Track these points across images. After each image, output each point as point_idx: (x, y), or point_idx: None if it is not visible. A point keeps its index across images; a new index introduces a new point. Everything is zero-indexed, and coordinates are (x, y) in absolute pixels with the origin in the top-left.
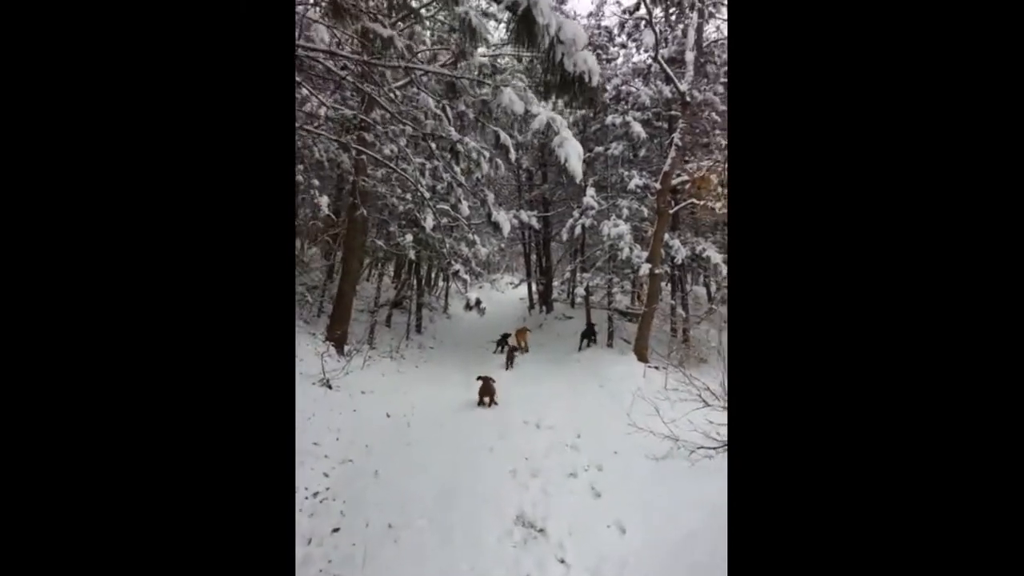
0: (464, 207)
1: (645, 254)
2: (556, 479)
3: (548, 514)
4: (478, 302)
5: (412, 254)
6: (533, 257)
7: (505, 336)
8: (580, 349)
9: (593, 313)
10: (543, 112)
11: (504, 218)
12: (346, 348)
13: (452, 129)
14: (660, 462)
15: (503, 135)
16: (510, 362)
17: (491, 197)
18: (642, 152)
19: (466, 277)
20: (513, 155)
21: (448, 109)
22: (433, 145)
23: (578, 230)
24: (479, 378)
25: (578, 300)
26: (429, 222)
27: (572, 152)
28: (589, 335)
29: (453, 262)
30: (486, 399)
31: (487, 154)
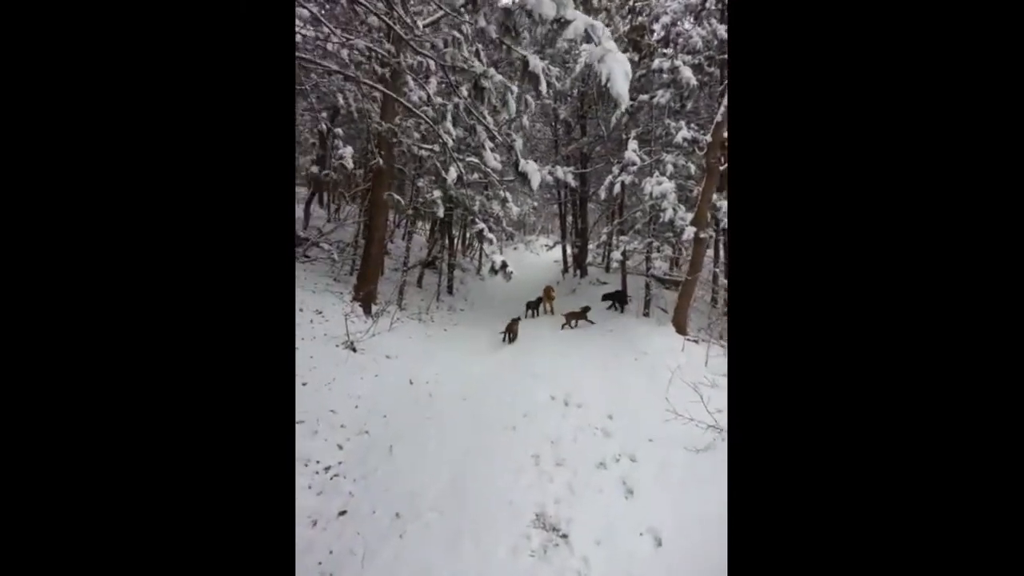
0: (489, 155)
1: (690, 216)
2: (583, 470)
3: (572, 516)
4: (504, 266)
5: (440, 211)
6: (569, 219)
7: (537, 300)
8: (608, 308)
9: (629, 279)
10: (579, 18)
11: (533, 168)
12: (374, 308)
13: (475, 60)
14: (701, 455)
15: (532, 60)
16: (533, 312)
17: (519, 143)
18: (690, 104)
19: (492, 237)
20: (544, 86)
21: (466, 28)
22: (455, 78)
23: (617, 188)
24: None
25: (614, 265)
26: (452, 174)
27: (617, 69)
28: (618, 299)
29: (478, 220)
30: (508, 335)
31: (514, 89)
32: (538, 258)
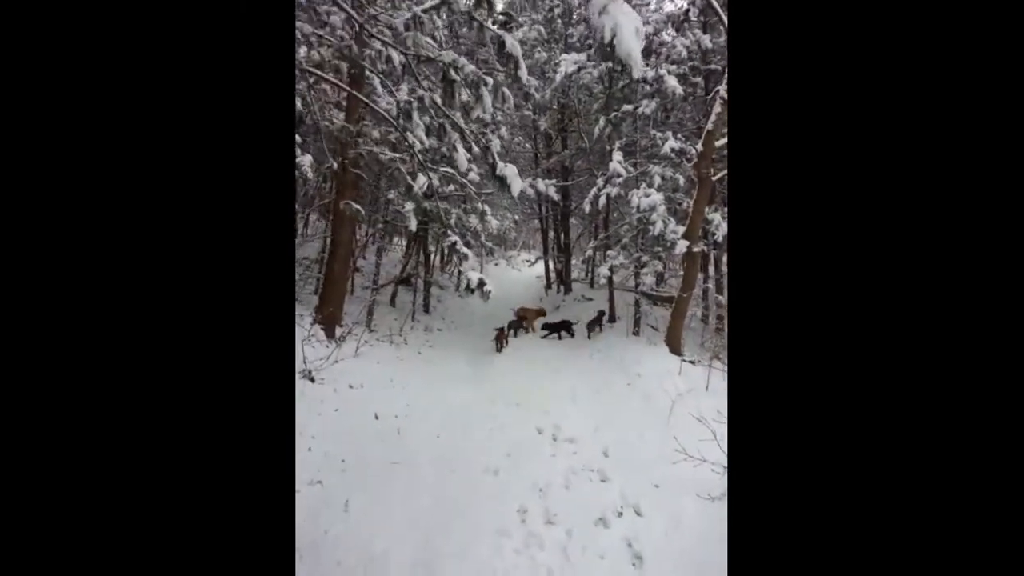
0: (462, 157)
1: (681, 229)
2: (580, 529)
3: None
4: (481, 284)
5: (413, 224)
6: (551, 234)
7: (519, 320)
8: (590, 336)
9: (617, 295)
10: None
11: (513, 172)
12: (338, 331)
13: (443, 50)
14: (717, 504)
15: (508, 39)
16: (512, 331)
17: (496, 143)
18: (674, 114)
19: (467, 252)
20: (524, 71)
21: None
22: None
23: (602, 201)
24: (496, 329)
25: (600, 281)
26: (420, 181)
27: (625, 23)
28: (563, 328)
29: (451, 233)
30: (499, 344)
31: (489, 81)
32: (520, 274)
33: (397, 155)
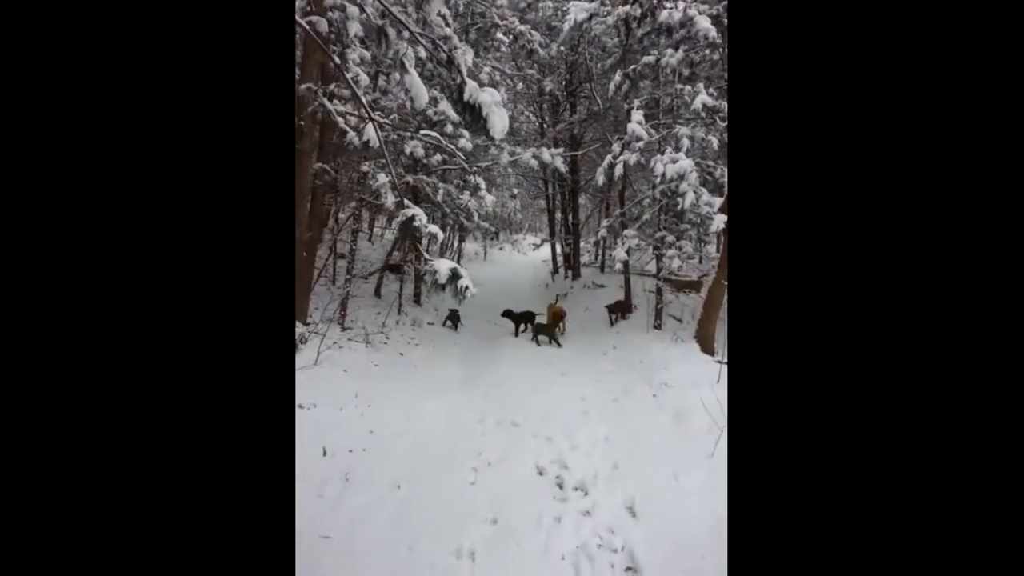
0: (416, 83)
1: (718, 201)
2: None
3: None
4: (454, 276)
5: (389, 200)
6: (558, 215)
7: (526, 315)
8: (613, 323)
9: (634, 281)
10: None
11: (492, 100)
12: (299, 331)
13: None
14: None
15: None
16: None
17: (466, 57)
18: (703, 68)
19: (436, 231)
20: None
21: None
22: None
23: (619, 170)
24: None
25: (616, 266)
26: (368, 134)
27: None
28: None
29: (408, 205)
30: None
31: None
32: (526, 258)
33: (352, 113)
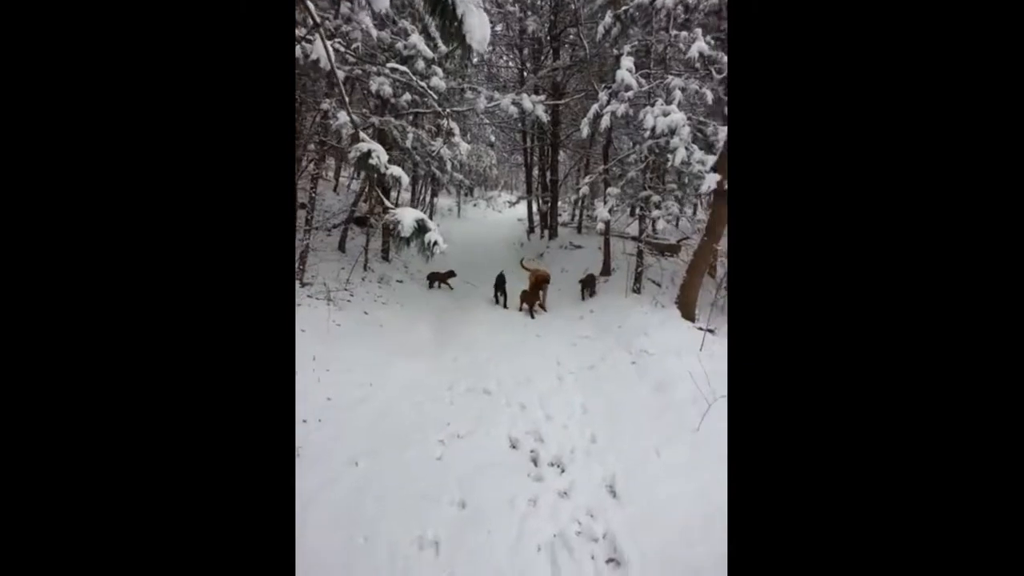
0: None
1: (710, 159)
2: None
3: None
4: (421, 230)
5: (353, 152)
6: (536, 171)
7: (501, 280)
8: (584, 297)
9: (613, 243)
10: None
11: (470, 3)
12: None
13: None
14: None
15: None
16: (502, 300)
17: None
18: (697, 16)
19: (400, 173)
20: None
21: None
22: None
23: (605, 121)
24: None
25: (597, 226)
26: (319, 53)
27: None
28: (499, 286)
29: (363, 139)
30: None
31: None
32: (501, 216)
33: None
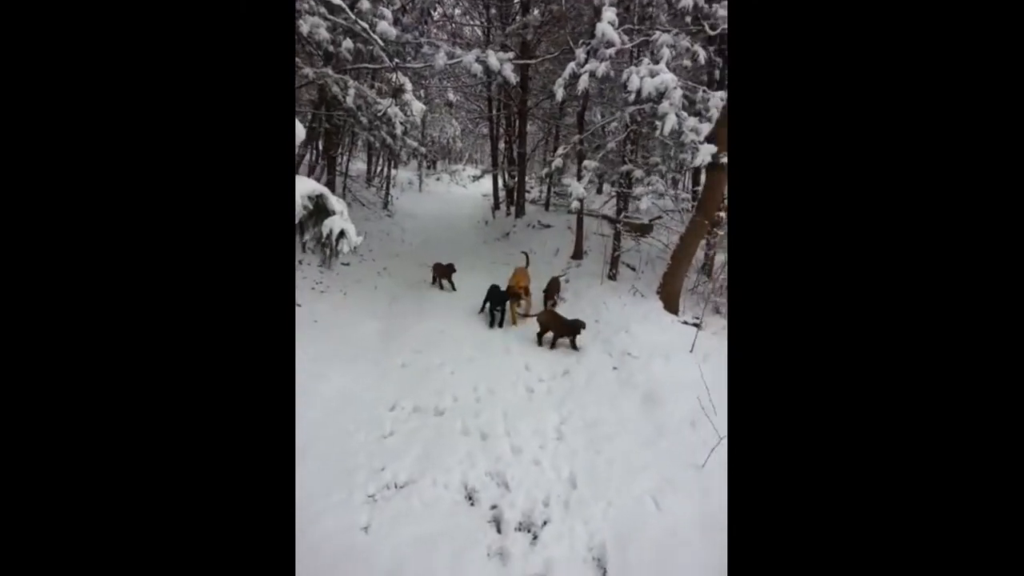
0: None
1: (705, 128)
2: None
3: None
4: (317, 211)
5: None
6: (502, 144)
7: (496, 295)
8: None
9: (587, 223)
10: None
11: None
12: None
13: None
14: None
15: None
16: (498, 317)
17: None
18: None
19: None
20: None
21: None
22: None
23: (582, 83)
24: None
25: (572, 204)
26: None
27: None
28: (496, 301)
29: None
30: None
31: None
32: (465, 191)
33: None
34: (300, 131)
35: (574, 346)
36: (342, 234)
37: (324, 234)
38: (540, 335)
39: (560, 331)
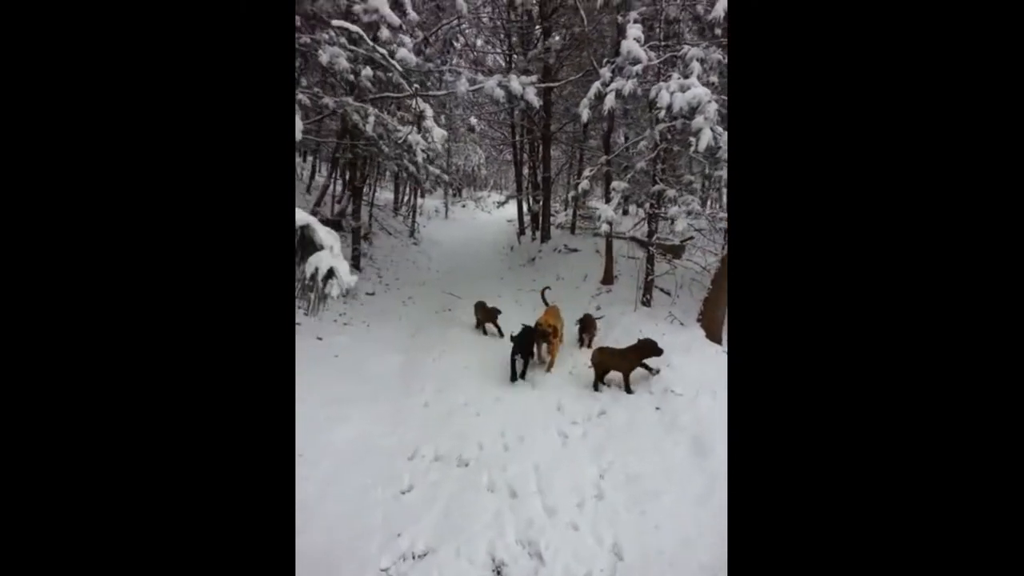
0: None
1: None
2: None
3: None
4: (304, 243)
5: (297, 129)
6: (526, 169)
7: (525, 332)
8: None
9: (616, 246)
10: None
11: None
12: None
13: None
14: None
15: None
16: (521, 367)
17: None
18: None
19: None
20: None
21: None
22: None
23: (610, 101)
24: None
25: (600, 227)
26: None
27: None
28: (520, 348)
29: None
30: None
31: None
32: (490, 217)
33: None
34: (299, 126)
35: (650, 370)
36: (331, 273)
37: (308, 274)
38: (600, 378)
39: (628, 363)
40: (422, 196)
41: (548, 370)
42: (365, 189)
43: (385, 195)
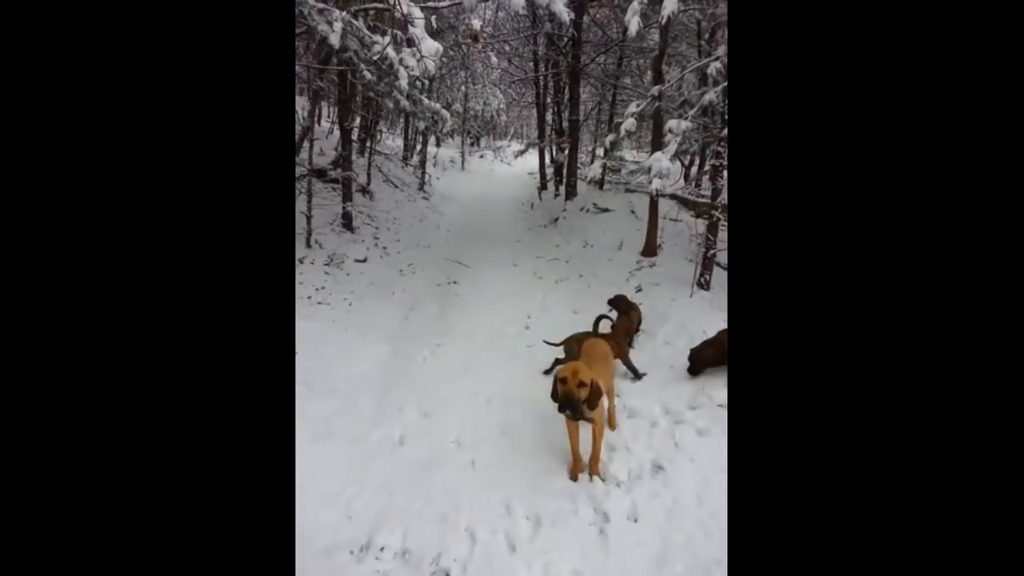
0: None
1: None
2: None
3: None
4: None
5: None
6: (549, 115)
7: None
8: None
9: (661, 206)
10: None
11: None
12: None
13: None
14: None
15: None
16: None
17: None
18: None
19: None
20: None
21: None
22: None
23: (670, 5)
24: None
25: (651, 185)
26: None
27: None
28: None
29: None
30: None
31: None
32: (510, 169)
33: None
34: None
35: None
36: None
37: None
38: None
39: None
40: (437, 145)
41: (612, 426)
42: (364, 134)
43: (398, 143)
